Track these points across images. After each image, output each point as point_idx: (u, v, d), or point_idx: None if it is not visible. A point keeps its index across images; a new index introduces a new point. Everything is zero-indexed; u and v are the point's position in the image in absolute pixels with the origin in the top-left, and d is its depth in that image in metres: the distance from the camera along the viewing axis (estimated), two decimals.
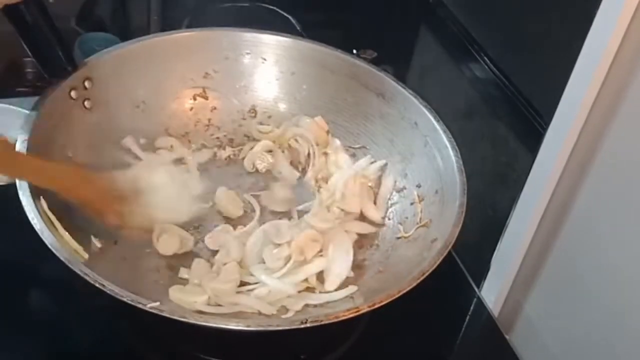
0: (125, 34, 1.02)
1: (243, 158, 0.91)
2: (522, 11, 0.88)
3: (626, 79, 0.68)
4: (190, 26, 1.06)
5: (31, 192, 0.67)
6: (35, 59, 0.75)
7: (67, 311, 0.76)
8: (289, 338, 0.70)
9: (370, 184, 0.86)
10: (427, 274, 0.67)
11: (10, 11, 0.68)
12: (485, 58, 0.94)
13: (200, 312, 0.69)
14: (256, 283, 0.74)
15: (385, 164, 0.87)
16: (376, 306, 0.64)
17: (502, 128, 0.91)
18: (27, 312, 0.76)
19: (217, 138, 0.92)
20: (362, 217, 0.85)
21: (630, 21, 0.65)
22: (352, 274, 0.76)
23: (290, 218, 0.83)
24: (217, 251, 0.78)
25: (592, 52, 0.68)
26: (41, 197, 0.67)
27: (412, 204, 0.83)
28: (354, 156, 0.90)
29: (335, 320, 0.63)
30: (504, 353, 0.81)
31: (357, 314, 0.63)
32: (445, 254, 0.69)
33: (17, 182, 0.67)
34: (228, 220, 0.83)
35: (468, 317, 0.86)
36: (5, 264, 0.79)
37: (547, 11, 0.83)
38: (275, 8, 1.18)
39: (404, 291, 0.65)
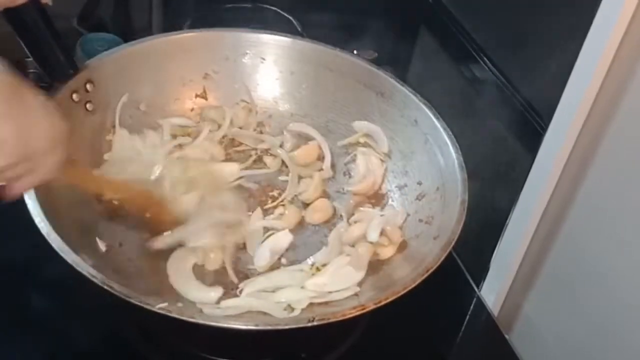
0: (127, 34, 1.02)
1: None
2: (521, 11, 0.88)
3: (625, 79, 0.68)
4: (191, 27, 1.06)
5: (36, 194, 0.67)
6: (36, 62, 0.75)
7: (68, 311, 0.76)
8: (290, 337, 0.70)
9: None
10: (431, 270, 0.67)
11: (10, 14, 0.69)
12: (485, 58, 0.94)
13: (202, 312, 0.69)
14: None
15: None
16: (382, 303, 0.64)
17: (502, 128, 0.91)
18: (28, 312, 0.76)
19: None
20: None
21: (630, 22, 0.65)
22: None
23: None
24: None
25: (591, 53, 0.68)
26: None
27: (413, 201, 0.83)
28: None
29: (342, 318, 0.63)
30: (504, 353, 0.81)
31: (364, 311, 0.64)
32: (448, 250, 0.70)
33: None
34: None
35: (468, 317, 0.86)
36: (5, 263, 0.79)
37: (546, 11, 0.83)
38: (275, 9, 1.18)
39: (409, 288, 0.65)
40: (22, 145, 0.55)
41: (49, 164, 0.59)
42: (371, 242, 0.78)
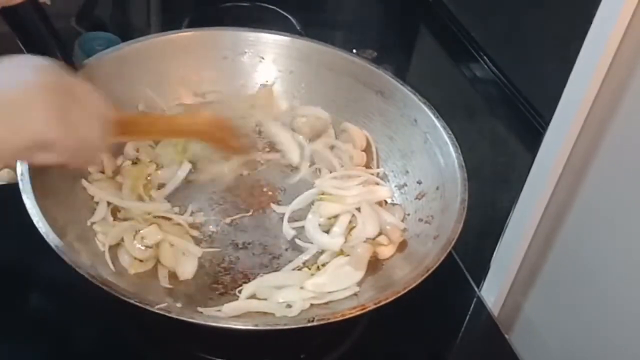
0: (125, 33, 1.02)
1: None
2: (521, 11, 0.88)
3: (625, 78, 0.68)
4: (190, 26, 1.06)
5: (35, 194, 0.67)
6: None
7: (68, 311, 0.76)
8: (290, 337, 0.70)
9: None
10: (432, 269, 0.67)
11: (7, 13, 0.68)
12: (485, 58, 0.94)
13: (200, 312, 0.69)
14: None
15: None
16: (382, 303, 0.64)
17: (502, 128, 0.91)
18: (27, 312, 0.76)
19: None
20: None
21: (630, 21, 0.65)
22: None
23: None
24: None
25: (591, 52, 0.68)
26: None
27: (413, 200, 0.83)
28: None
29: (342, 318, 0.63)
30: (504, 353, 0.81)
31: (364, 311, 0.63)
32: (449, 249, 0.70)
33: (20, 184, 0.67)
34: None
35: (468, 317, 0.86)
36: (5, 263, 0.79)
37: (546, 11, 0.83)
38: (275, 8, 1.18)
39: (410, 288, 0.65)
40: (72, 145, 0.57)
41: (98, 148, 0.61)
42: (370, 242, 0.78)
